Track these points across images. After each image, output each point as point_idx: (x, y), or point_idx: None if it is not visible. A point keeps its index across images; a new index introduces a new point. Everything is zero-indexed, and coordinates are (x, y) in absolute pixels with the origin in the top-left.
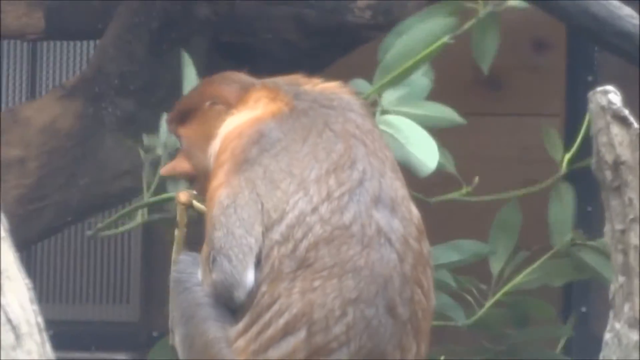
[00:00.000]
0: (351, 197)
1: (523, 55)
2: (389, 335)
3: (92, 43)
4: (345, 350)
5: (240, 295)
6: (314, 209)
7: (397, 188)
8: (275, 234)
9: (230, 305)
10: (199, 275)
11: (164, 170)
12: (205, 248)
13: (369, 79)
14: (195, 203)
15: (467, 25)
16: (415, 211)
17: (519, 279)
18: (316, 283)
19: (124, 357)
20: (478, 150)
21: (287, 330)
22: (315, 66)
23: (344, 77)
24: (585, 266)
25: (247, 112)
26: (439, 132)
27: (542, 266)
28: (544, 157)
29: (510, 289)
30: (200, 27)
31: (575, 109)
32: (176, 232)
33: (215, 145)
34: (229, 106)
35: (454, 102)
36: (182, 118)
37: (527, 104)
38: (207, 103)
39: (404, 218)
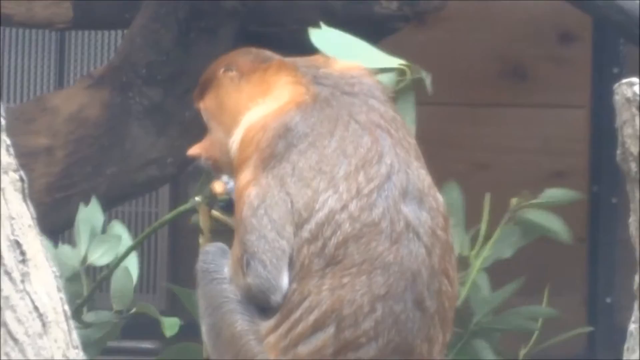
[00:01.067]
0: (380, 193)
1: (549, 47)
2: (417, 329)
3: (119, 32)
4: (373, 345)
5: (277, 298)
6: (344, 207)
7: (424, 177)
8: (305, 233)
9: (266, 307)
10: (226, 269)
11: (190, 150)
12: (237, 249)
13: None
14: (215, 213)
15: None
16: (440, 199)
17: (479, 261)
18: (345, 280)
19: (150, 346)
20: (503, 141)
21: (317, 327)
22: None
23: None
24: (533, 226)
25: (270, 102)
26: (464, 123)
27: (494, 241)
28: (568, 149)
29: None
30: (227, 17)
31: (600, 101)
32: (200, 239)
33: (237, 135)
34: (242, 73)
35: (479, 93)
36: (202, 92)
37: (553, 96)
38: (221, 70)
39: (431, 208)
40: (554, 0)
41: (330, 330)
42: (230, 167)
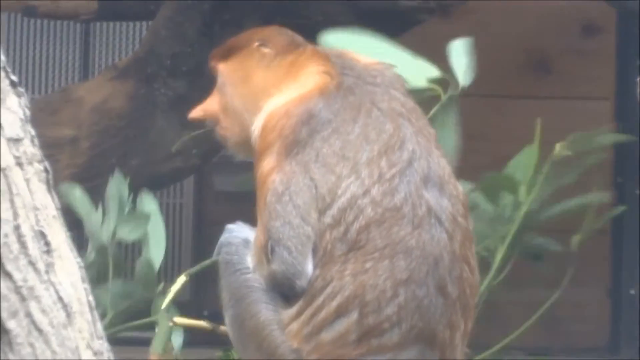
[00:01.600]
0: (402, 178)
1: (573, 39)
2: (440, 314)
3: (144, 24)
4: (396, 330)
5: (302, 284)
6: (366, 192)
7: (444, 166)
8: (328, 218)
9: (290, 294)
10: (249, 259)
11: (192, 113)
12: (260, 236)
13: None
14: None
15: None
16: (460, 188)
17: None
18: (368, 265)
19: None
20: (528, 133)
21: (340, 312)
22: None
23: None
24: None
25: (294, 88)
26: (489, 115)
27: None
28: None
29: None
30: (251, 9)
31: (624, 93)
32: None
33: (259, 121)
34: (276, 53)
35: (504, 85)
36: (226, 54)
37: (577, 88)
38: (256, 43)
39: (451, 196)
40: None
41: (354, 316)
42: (243, 140)
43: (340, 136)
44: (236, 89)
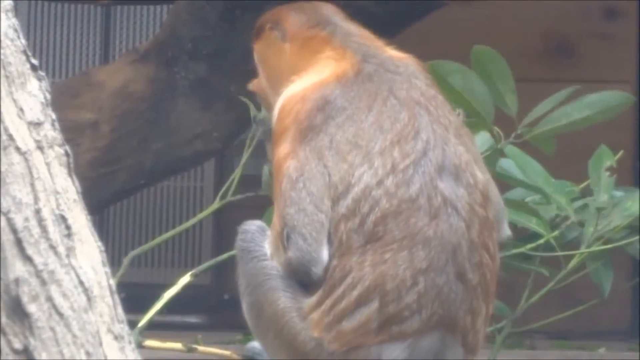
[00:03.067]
0: (416, 168)
1: (594, 23)
2: (460, 301)
3: (165, 7)
4: (417, 317)
5: (317, 271)
6: (379, 182)
7: (461, 154)
8: (342, 208)
9: (306, 281)
10: (266, 246)
11: (251, 84)
12: (276, 223)
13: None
14: None
15: None
16: (480, 176)
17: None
18: (387, 255)
19: (195, 320)
20: None
21: (360, 302)
22: (388, 32)
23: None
24: None
25: (311, 74)
26: None
27: None
28: (614, 124)
29: None
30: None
31: None
32: None
33: (277, 105)
34: (285, 36)
35: (525, 69)
36: (257, 34)
37: (598, 71)
38: (269, 25)
39: (468, 185)
40: None
41: (374, 305)
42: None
43: (354, 123)
44: (262, 71)
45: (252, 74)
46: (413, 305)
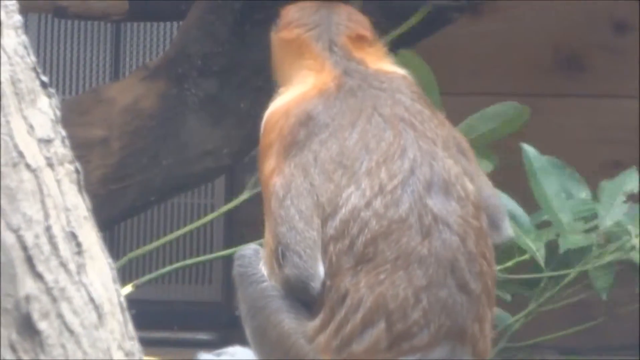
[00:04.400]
0: (404, 188)
1: (603, 36)
2: (466, 310)
3: (175, 24)
4: (425, 332)
5: (316, 285)
6: (368, 204)
7: (450, 167)
8: (330, 230)
9: (306, 297)
10: (262, 267)
11: None
12: (269, 241)
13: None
14: None
15: None
16: (470, 187)
17: None
18: (382, 276)
19: (206, 337)
20: (559, 131)
21: (366, 324)
22: (398, 47)
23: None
24: None
25: (295, 85)
26: None
27: None
28: (624, 138)
29: None
30: (283, 8)
31: None
32: None
33: (263, 119)
34: (282, 35)
35: (535, 83)
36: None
37: (607, 86)
38: (276, 18)
39: (459, 198)
40: None
41: (381, 325)
42: None
43: (338, 141)
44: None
45: (263, 90)
46: (420, 321)
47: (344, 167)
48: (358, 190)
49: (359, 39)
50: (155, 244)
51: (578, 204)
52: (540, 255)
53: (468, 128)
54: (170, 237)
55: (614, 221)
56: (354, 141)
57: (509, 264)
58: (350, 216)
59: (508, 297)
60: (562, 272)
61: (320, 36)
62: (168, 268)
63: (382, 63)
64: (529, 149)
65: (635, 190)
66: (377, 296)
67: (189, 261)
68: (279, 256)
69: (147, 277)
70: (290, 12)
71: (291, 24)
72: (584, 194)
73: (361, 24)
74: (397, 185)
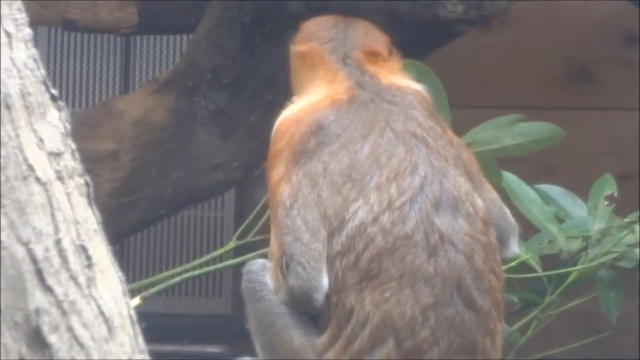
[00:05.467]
0: (412, 205)
1: (614, 49)
2: (475, 327)
3: (185, 37)
4: (436, 349)
5: (319, 297)
6: (375, 219)
7: (461, 185)
8: (337, 245)
9: (309, 309)
10: (268, 279)
11: None
12: (275, 250)
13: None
14: None
15: None
16: (479, 203)
17: None
18: (387, 294)
19: (215, 350)
20: (570, 144)
21: (374, 341)
22: (409, 59)
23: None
24: None
25: (307, 95)
26: None
27: None
28: (634, 151)
29: None
30: (292, 21)
31: None
32: None
33: (274, 127)
34: (299, 49)
35: (545, 96)
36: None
37: (618, 98)
38: (295, 36)
39: (468, 215)
40: (620, 1)
41: (390, 343)
42: None
43: (349, 153)
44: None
45: (273, 103)
46: (429, 339)
47: (353, 181)
48: (366, 205)
49: (374, 55)
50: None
51: (572, 222)
52: (535, 262)
53: (493, 138)
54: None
55: (602, 224)
56: (365, 155)
57: (513, 264)
58: (356, 232)
59: (515, 299)
60: (561, 271)
61: (335, 49)
62: (177, 279)
63: (396, 77)
64: (511, 178)
65: (615, 193)
66: (383, 313)
67: (197, 272)
68: (283, 265)
69: (156, 288)
70: (308, 26)
71: (308, 36)
72: (580, 209)
73: (378, 40)
74: (405, 202)
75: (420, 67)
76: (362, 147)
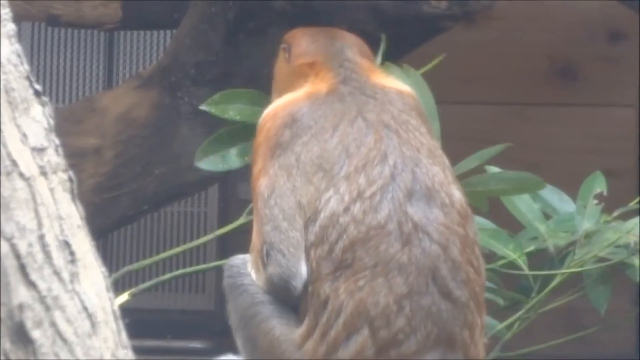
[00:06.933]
0: (384, 195)
1: (598, 46)
2: (453, 318)
3: (168, 33)
4: (413, 339)
5: (297, 285)
6: (346, 209)
7: (434, 174)
8: (311, 235)
9: (288, 298)
10: (250, 271)
11: None
12: (255, 240)
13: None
14: None
15: None
16: (457, 195)
17: None
18: (361, 283)
19: (199, 346)
20: (554, 141)
21: (349, 330)
22: (392, 56)
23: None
24: None
25: (291, 93)
26: (514, 122)
27: None
28: (619, 148)
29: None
30: (276, 17)
31: None
32: None
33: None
34: (293, 59)
35: (530, 93)
36: (278, 51)
37: (602, 95)
38: (283, 45)
39: (444, 205)
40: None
41: (364, 332)
42: None
43: (318, 143)
44: (272, 89)
45: None
46: (405, 328)
47: (324, 171)
48: (337, 194)
49: (369, 62)
50: (154, 258)
51: (558, 218)
52: (522, 261)
53: (479, 181)
54: (169, 253)
55: (591, 223)
56: (334, 144)
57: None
58: (329, 222)
59: (501, 301)
60: (548, 272)
61: (333, 64)
62: (162, 277)
63: (387, 79)
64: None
65: (604, 192)
66: (357, 302)
67: (181, 271)
68: (264, 255)
69: (144, 285)
70: (303, 41)
71: (307, 52)
72: (568, 206)
73: (369, 52)
74: (376, 192)
75: (406, 70)
76: (332, 137)
